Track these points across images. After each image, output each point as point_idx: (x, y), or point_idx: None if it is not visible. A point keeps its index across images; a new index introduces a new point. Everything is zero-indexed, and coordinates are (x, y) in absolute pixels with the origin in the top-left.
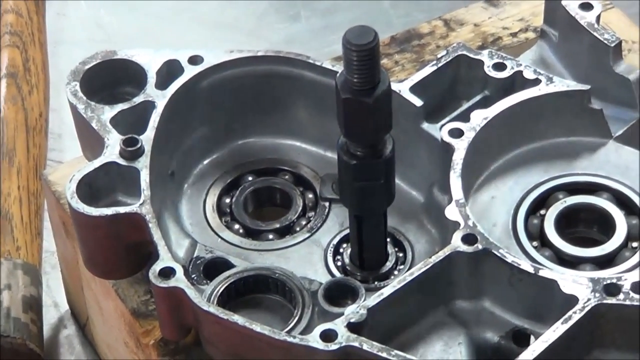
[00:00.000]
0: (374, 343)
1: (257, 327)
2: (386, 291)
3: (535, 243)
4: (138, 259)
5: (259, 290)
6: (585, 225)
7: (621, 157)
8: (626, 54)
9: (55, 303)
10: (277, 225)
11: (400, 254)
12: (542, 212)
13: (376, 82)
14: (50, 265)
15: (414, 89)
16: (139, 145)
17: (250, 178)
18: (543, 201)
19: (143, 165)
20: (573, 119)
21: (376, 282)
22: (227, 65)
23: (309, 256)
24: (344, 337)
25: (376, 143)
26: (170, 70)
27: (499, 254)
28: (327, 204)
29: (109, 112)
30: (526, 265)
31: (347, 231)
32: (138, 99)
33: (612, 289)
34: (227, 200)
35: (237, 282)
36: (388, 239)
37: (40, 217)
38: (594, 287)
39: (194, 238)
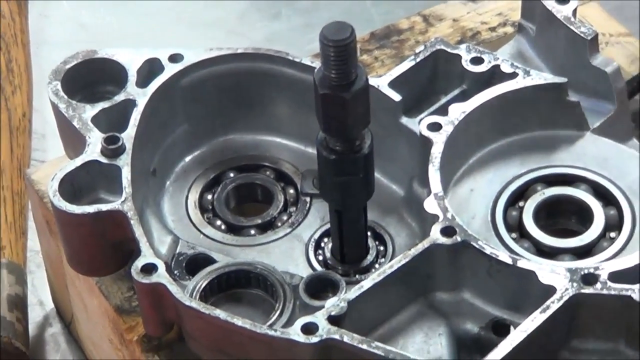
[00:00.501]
0: (355, 335)
1: (239, 322)
2: (366, 284)
3: (514, 235)
4: (121, 256)
5: (240, 285)
6: (563, 216)
7: (599, 149)
8: (604, 47)
9: (40, 301)
10: (259, 221)
11: (381, 248)
12: (521, 203)
13: (353, 77)
14: (35, 264)
15: (392, 84)
16: (120, 143)
17: (231, 174)
18: (522, 193)
19: (124, 162)
20: (550, 111)
21: (357, 276)
22: (207, 63)
23: (290, 251)
24: (325, 330)
25: (354, 138)
26: (150, 69)
27: (477, 246)
28: (308, 199)
29: (90, 110)
30: (504, 257)
31: (328, 226)
32: (119, 98)
33: (589, 278)
34: (209, 197)
35: (219, 277)
36: (369, 233)
37: (25, 216)
38: (571, 277)
39: (176, 234)
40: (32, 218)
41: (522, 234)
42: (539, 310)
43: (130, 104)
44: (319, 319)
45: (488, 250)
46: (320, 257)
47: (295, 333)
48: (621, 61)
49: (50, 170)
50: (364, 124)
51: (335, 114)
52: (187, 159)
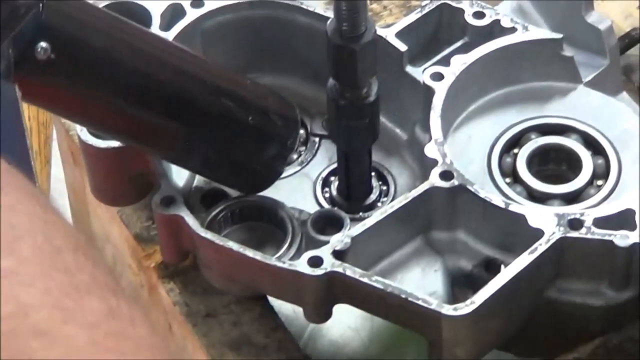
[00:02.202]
0: (357, 269)
1: (250, 253)
2: (369, 222)
3: (508, 180)
4: (142, 187)
5: (252, 218)
6: (554, 163)
7: (590, 101)
8: (600, 2)
9: None
10: None
11: (384, 187)
12: (515, 150)
13: (363, 30)
14: (58, 192)
15: (399, 35)
16: None
17: None
18: (516, 141)
19: None
20: (546, 65)
21: (361, 213)
22: (226, 9)
23: (299, 188)
24: (329, 264)
25: (362, 86)
26: (173, 13)
27: (473, 190)
28: (317, 139)
29: None
30: (497, 200)
31: (335, 165)
32: None
33: (575, 223)
34: None
35: (232, 210)
36: (373, 173)
37: (49, 146)
38: (559, 221)
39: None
40: (57, 148)
41: (515, 179)
42: (528, 251)
43: None
44: (324, 253)
45: (482, 194)
46: (327, 195)
47: (302, 266)
48: (616, 17)
49: None
50: (371, 73)
51: (345, 63)
52: None
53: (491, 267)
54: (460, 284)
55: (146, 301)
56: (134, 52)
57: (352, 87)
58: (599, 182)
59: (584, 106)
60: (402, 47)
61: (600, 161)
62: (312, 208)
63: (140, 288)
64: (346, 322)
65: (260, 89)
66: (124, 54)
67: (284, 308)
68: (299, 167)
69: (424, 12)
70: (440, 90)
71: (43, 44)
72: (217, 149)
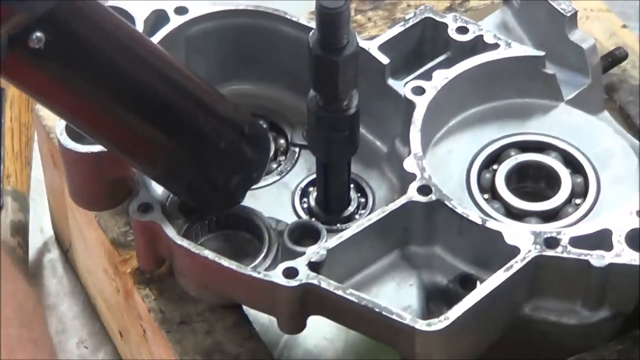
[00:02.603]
0: (331, 282)
1: (225, 262)
2: (345, 234)
3: (486, 195)
4: (120, 193)
5: (229, 227)
6: (533, 180)
7: (571, 119)
8: (584, 21)
9: (41, 228)
10: None
11: (362, 199)
12: (495, 167)
13: (345, 42)
14: (37, 192)
15: (382, 47)
16: None
17: None
18: (496, 157)
19: None
20: (528, 82)
21: (338, 225)
22: (210, 17)
23: (277, 198)
24: (304, 275)
25: (342, 98)
26: (157, 20)
27: (450, 205)
28: (297, 149)
29: None
30: (474, 217)
31: (314, 176)
32: None
33: (551, 242)
34: None
35: (210, 219)
36: (352, 185)
37: (30, 147)
38: (535, 239)
39: None
40: (38, 149)
41: (493, 196)
42: (503, 269)
43: None
44: (300, 264)
45: (460, 210)
46: (305, 205)
47: (276, 276)
48: (599, 35)
49: None
50: (352, 86)
51: (326, 75)
52: None
53: (467, 283)
54: (436, 299)
55: (122, 306)
56: (130, 59)
57: (332, 99)
58: (577, 201)
59: (565, 124)
60: (385, 60)
61: (579, 180)
62: (290, 218)
63: (116, 293)
64: (321, 332)
65: (242, 115)
66: (120, 59)
67: (260, 316)
68: (278, 177)
69: (407, 25)
70: (421, 105)
71: (38, 34)
72: (182, 164)
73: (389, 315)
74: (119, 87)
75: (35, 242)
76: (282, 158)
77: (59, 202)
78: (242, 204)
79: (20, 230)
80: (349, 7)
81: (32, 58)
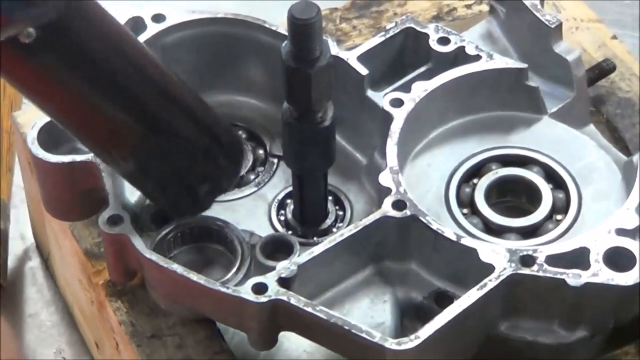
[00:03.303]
0: (301, 298)
1: (194, 277)
2: (317, 249)
3: (465, 210)
4: (93, 203)
5: (202, 240)
6: (514, 195)
7: (554, 133)
8: (574, 32)
9: (22, 235)
10: None
11: (340, 212)
12: (475, 181)
13: (317, 54)
14: (19, 199)
15: (361, 58)
16: None
17: None
18: (476, 171)
19: None
20: (510, 94)
21: (315, 238)
22: (188, 25)
23: (254, 209)
24: (274, 291)
25: (316, 110)
26: (134, 27)
27: (425, 221)
28: (275, 160)
29: None
30: (449, 233)
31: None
32: None
33: (527, 260)
34: None
35: (182, 231)
36: (330, 198)
37: (12, 153)
38: (510, 257)
39: None
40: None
41: (472, 211)
42: (477, 287)
43: None
44: (269, 280)
45: (434, 226)
46: (282, 218)
47: (245, 292)
48: (588, 46)
49: (35, 115)
50: (326, 98)
51: (299, 87)
52: None
53: (442, 300)
54: (410, 316)
55: (96, 317)
56: (118, 57)
57: (305, 111)
58: (559, 217)
59: (548, 138)
60: (364, 71)
61: (561, 195)
62: (266, 231)
63: (91, 304)
64: (301, 345)
65: (220, 123)
66: (109, 55)
67: None
68: (255, 188)
69: (388, 35)
70: (399, 117)
71: (30, 30)
72: (154, 159)
73: (358, 333)
74: (106, 81)
75: (15, 249)
76: (260, 169)
77: (38, 210)
78: (216, 215)
79: None
80: (321, 19)
81: (22, 52)
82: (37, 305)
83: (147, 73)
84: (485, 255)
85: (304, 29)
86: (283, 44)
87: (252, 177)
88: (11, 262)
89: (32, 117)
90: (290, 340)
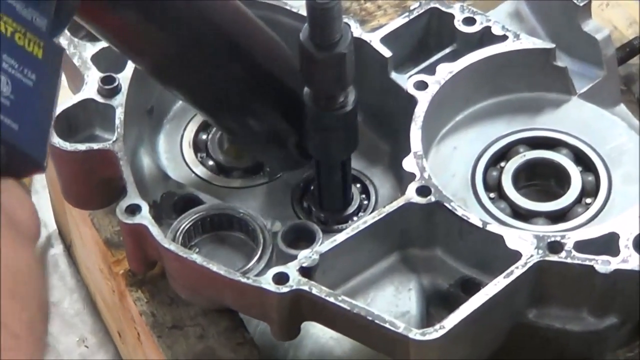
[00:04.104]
0: (323, 288)
1: (214, 267)
2: (339, 237)
3: (492, 195)
4: (111, 192)
5: (224, 228)
6: (542, 179)
7: (583, 114)
8: (604, 9)
9: (44, 222)
10: (249, 164)
11: (364, 197)
12: (502, 164)
13: (337, 38)
14: (41, 185)
15: (385, 40)
16: (116, 84)
17: None
18: (504, 154)
19: (119, 103)
20: (537, 75)
21: (338, 225)
22: None
23: (277, 196)
24: (295, 281)
25: (336, 95)
26: None
27: (450, 207)
28: None
29: (91, 49)
30: (475, 219)
31: None
32: None
33: (555, 246)
34: (204, 137)
35: (203, 219)
36: (354, 183)
37: None
38: (538, 244)
39: (167, 174)
40: None
41: (500, 195)
42: (503, 275)
43: None
44: (291, 269)
45: (460, 212)
46: (305, 204)
47: (266, 282)
48: (620, 23)
49: None
50: (347, 82)
51: (318, 72)
52: None
53: (469, 287)
54: (436, 304)
55: (118, 307)
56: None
57: (326, 96)
58: (588, 200)
59: (576, 119)
60: (387, 53)
61: (590, 178)
62: (288, 217)
63: (112, 293)
64: (328, 332)
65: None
66: None
67: None
68: (278, 174)
69: (412, 16)
70: (423, 100)
71: None
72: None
73: (381, 323)
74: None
75: None
76: None
77: (59, 197)
78: (238, 202)
79: None
80: (340, 2)
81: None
82: (59, 293)
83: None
84: (511, 242)
85: (323, 12)
86: (302, 29)
87: None
88: None
89: None
90: (316, 327)
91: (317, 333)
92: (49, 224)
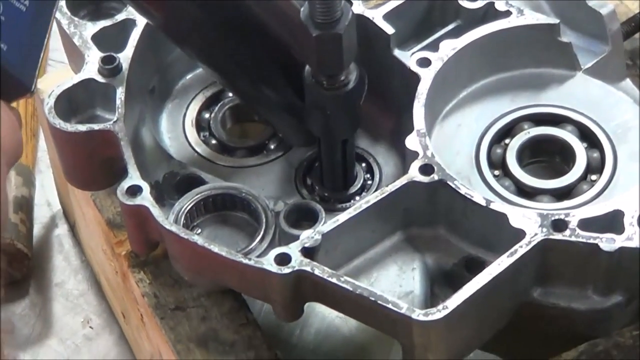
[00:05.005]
0: (325, 268)
1: (215, 248)
2: (341, 217)
3: (497, 172)
4: (114, 172)
5: (226, 208)
6: (547, 155)
7: (588, 90)
8: None
9: (48, 202)
10: (252, 143)
11: (368, 175)
12: (507, 141)
13: (338, 16)
14: (45, 164)
15: (387, 16)
16: (116, 63)
17: (230, 94)
18: (508, 131)
19: (120, 83)
20: (542, 51)
21: (343, 204)
22: None
23: (280, 175)
24: (297, 262)
25: (336, 74)
26: None
27: (453, 186)
28: None
29: (91, 28)
30: (478, 198)
31: None
32: (120, 17)
33: (559, 224)
34: (207, 115)
35: (205, 199)
36: (358, 161)
37: (37, 118)
38: (542, 222)
39: (169, 153)
40: None
41: (505, 172)
42: (507, 254)
43: (130, 23)
44: (293, 250)
45: (463, 191)
46: (309, 182)
47: (268, 263)
48: None
49: (55, 81)
50: (348, 60)
51: (319, 50)
52: (188, 76)
53: (473, 265)
54: (441, 283)
55: (121, 288)
56: None
57: (327, 74)
58: (593, 177)
59: (581, 95)
60: (390, 30)
61: (596, 155)
62: (291, 196)
63: (115, 274)
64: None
65: None
66: None
67: None
68: (281, 153)
69: None
70: (426, 77)
71: None
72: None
73: (384, 304)
74: None
75: (41, 216)
76: None
77: (62, 178)
78: (241, 181)
79: (24, 205)
80: None
81: None
82: (64, 274)
83: None
84: (515, 221)
85: None
86: (302, 8)
87: (278, 141)
88: (37, 229)
89: (52, 84)
90: (322, 305)
91: (323, 312)
92: (53, 204)
